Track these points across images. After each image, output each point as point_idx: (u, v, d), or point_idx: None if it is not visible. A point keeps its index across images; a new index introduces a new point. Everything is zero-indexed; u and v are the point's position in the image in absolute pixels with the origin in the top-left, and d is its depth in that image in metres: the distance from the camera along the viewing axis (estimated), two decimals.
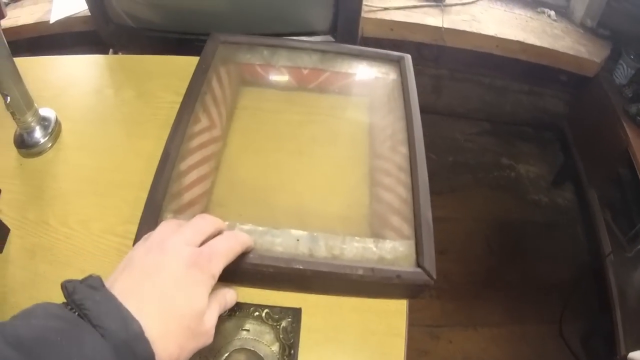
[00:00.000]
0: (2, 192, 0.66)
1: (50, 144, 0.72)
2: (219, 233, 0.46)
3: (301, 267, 0.52)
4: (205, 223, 0.45)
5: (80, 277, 0.56)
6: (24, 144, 0.71)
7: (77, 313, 0.34)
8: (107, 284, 0.37)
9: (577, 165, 1.61)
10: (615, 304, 1.31)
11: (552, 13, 1.57)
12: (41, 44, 1.29)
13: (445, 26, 1.32)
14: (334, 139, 0.71)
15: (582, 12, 1.54)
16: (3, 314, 0.56)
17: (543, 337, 1.45)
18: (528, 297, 1.49)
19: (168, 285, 0.38)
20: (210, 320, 0.41)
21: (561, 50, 1.43)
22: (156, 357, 0.35)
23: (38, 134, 0.71)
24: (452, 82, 1.62)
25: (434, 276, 0.53)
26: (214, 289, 0.42)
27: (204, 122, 0.65)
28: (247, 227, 0.55)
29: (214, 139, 0.65)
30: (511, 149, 1.77)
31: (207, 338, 0.41)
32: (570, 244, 1.63)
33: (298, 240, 0.55)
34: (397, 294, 0.57)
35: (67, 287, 0.36)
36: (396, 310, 0.58)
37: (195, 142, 0.63)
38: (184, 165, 0.60)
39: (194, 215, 0.54)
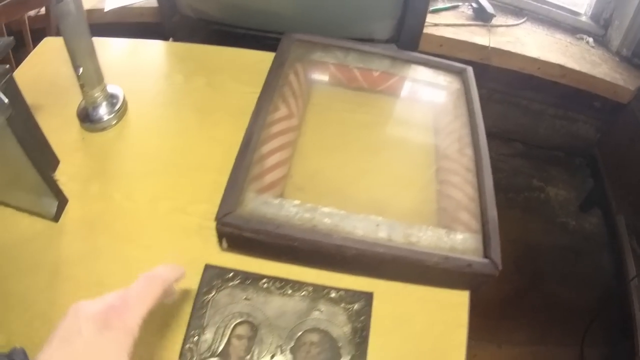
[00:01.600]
0: (62, 164, 0.68)
1: (115, 121, 0.74)
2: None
3: (382, 251, 0.55)
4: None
5: (143, 253, 0.61)
6: (88, 118, 0.73)
7: None
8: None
9: (606, 191, 1.62)
10: (638, 329, 1.32)
11: (591, 40, 1.60)
12: (92, 32, 1.33)
13: (491, 45, 1.36)
14: (401, 140, 0.74)
15: (618, 41, 1.58)
16: (56, 286, 0.57)
17: None
18: (552, 319, 1.50)
19: (80, 353, 0.35)
20: None
21: (598, 76, 1.46)
22: None
23: (103, 109, 0.73)
24: (491, 102, 1.65)
25: (500, 267, 0.56)
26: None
27: (282, 110, 0.69)
28: (327, 209, 0.58)
29: (291, 128, 0.68)
30: (542, 172, 1.80)
31: None
32: (595, 269, 1.64)
33: (377, 225, 0.58)
34: (463, 283, 0.60)
35: None
36: (459, 302, 0.60)
37: (274, 129, 0.66)
38: (265, 149, 0.63)
39: (272, 197, 0.57)
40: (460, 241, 0.59)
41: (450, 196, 0.65)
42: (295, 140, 0.69)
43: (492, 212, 0.61)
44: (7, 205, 0.64)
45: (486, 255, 0.57)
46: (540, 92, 1.60)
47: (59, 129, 0.72)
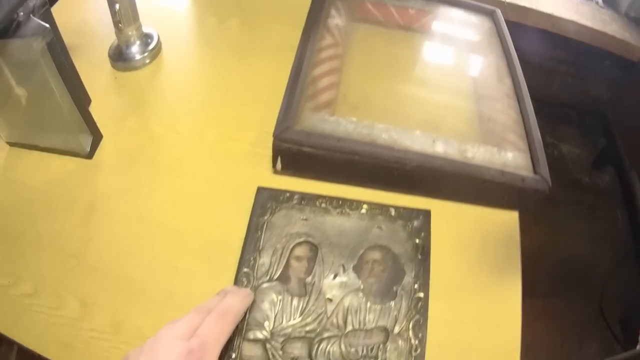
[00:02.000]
0: (94, 102, 0.67)
1: (149, 61, 0.73)
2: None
3: (441, 163, 0.55)
4: (198, 317, 0.41)
5: (188, 182, 0.60)
6: (122, 57, 0.72)
7: None
8: None
9: (619, 149, 1.63)
10: None
11: (600, 0, 1.60)
12: None
13: (507, 1, 1.36)
14: (441, 71, 0.74)
15: (627, 2, 1.58)
16: (92, 223, 0.57)
17: (586, 316, 1.47)
18: (571, 274, 1.51)
19: None
20: None
21: (610, 33, 1.47)
22: None
23: (137, 48, 0.72)
24: None
25: (550, 184, 0.57)
26: None
27: (328, 40, 0.69)
28: (384, 126, 0.58)
29: (338, 55, 0.68)
30: (555, 129, 1.80)
31: None
32: (610, 225, 1.65)
33: (434, 141, 0.58)
34: (514, 202, 0.60)
35: None
36: (510, 222, 0.60)
37: (323, 55, 0.66)
38: (316, 72, 0.63)
39: (328, 114, 0.57)
40: (511, 159, 0.59)
41: (495, 120, 0.65)
42: (341, 67, 0.68)
43: (537, 134, 0.62)
44: (35, 148, 0.62)
45: (536, 172, 0.58)
46: (553, 49, 1.61)
47: (91, 70, 0.70)
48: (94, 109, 0.66)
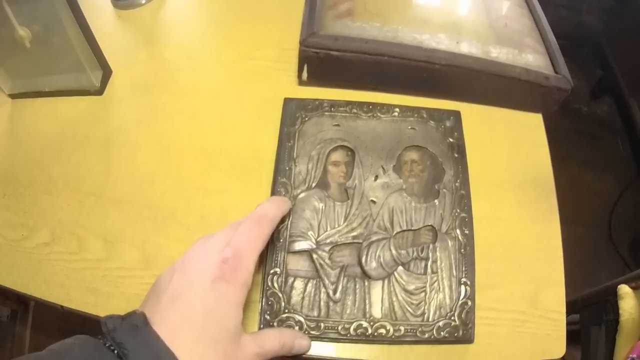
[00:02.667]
0: (99, 43, 0.62)
1: None
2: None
3: (469, 62, 0.53)
4: (232, 231, 0.39)
5: (210, 102, 0.58)
6: None
7: (115, 351, 0.31)
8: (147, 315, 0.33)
9: (616, 78, 1.63)
10: None
11: None
12: None
13: None
14: None
15: None
16: (110, 156, 0.54)
17: (595, 242, 1.49)
18: (579, 201, 1.53)
19: (196, 310, 0.34)
20: (250, 348, 0.36)
21: None
22: None
23: None
24: None
25: (572, 83, 0.57)
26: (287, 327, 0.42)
27: None
28: (409, 29, 0.55)
29: None
30: None
31: None
32: (612, 153, 1.67)
33: (458, 43, 0.56)
34: (539, 102, 0.59)
35: (108, 324, 0.32)
36: (536, 124, 0.60)
37: None
38: None
39: (350, 21, 0.54)
40: (532, 60, 0.58)
41: (511, 27, 0.64)
42: None
43: (552, 38, 0.61)
44: (40, 94, 0.59)
45: (556, 72, 0.57)
46: None
47: (91, 13, 0.66)
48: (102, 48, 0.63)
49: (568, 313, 0.47)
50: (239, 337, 0.35)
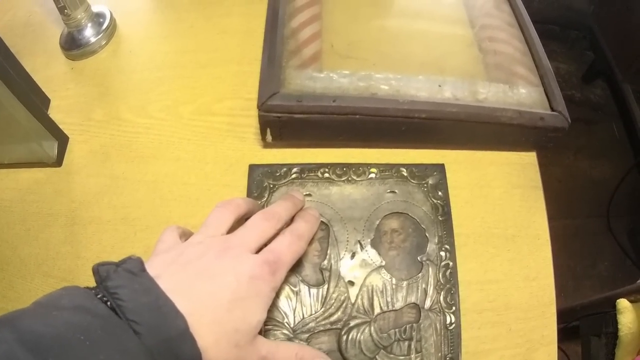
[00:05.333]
0: (53, 101, 0.60)
1: (105, 41, 0.64)
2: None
3: (454, 110, 0.48)
4: (269, 225, 0.39)
5: (172, 168, 0.54)
6: (75, 44, 0.63)
7: (109, 303, 0.29)
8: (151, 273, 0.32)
9: (609, 61, 1.58)
10: None
11: None
12: None
13: None
14: (431, 3, 0.65)
15: None
16: (73, 234, 0.51)
17: (594, 232, 1.46)
18: (576, 191, 1.50)
19: (225, 293, 0.33)
20: (261, 351, 0.35)
21: None
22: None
23: (90, 31, 0.64)
24: None
25: (569, 120, 0.52)
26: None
27: None
28: (382, 75, 0.50)
29: (315, 1, 0.59)
30: None
31: None
32: (608, 139, 1.63)
33: (440, 86, 0.51)
34: (533, 142, 0.55)
35: (100, 272, 0.30)
36: (529, 164, 0.56)
37: (298, 2, 0.57)
38: (294, 23, 0.54)
39: (316, 70, 0.50)
40: (525, 95, 0.53)
41: (501, 51, 0.58)
42: (322, 13, 0.59)
43: (547, 64, 0.56)
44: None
45: (552, 108, 0.52)
46: None
47: (43, 66, 0.63)
48: (55, 108, 0.59)
49: (568, 321, 0.44)
50: (255, 335, 0.34)
